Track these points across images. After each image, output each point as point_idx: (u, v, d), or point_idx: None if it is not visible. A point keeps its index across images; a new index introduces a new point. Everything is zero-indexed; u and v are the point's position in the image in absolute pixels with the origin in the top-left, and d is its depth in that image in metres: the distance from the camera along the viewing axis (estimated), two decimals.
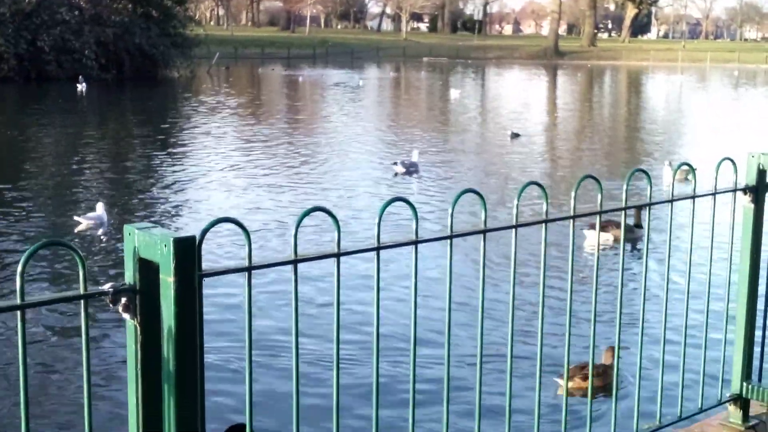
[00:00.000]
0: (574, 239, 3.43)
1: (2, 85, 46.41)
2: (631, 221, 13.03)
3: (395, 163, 20.88)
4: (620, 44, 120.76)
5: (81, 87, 44.89)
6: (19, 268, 2.17)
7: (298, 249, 2.64)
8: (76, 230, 14.35)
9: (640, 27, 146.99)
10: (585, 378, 7.03)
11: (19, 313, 2.19)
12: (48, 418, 7.37)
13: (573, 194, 3.36)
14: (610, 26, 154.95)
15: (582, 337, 5.15)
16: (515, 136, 27.07)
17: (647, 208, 3.82)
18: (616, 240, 12.71)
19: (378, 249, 2.87)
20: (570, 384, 6.43)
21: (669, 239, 3.94)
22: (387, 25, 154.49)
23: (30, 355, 8.89)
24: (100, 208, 14.83)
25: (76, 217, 14.64)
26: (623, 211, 3.67)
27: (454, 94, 46.18)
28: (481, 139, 29.25)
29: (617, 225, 12.08)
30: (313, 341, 8.67)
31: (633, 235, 12.84)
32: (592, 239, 12.60)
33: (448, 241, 3.07)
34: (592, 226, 11.99)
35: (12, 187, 18.27)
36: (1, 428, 7.24)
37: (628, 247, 12.86)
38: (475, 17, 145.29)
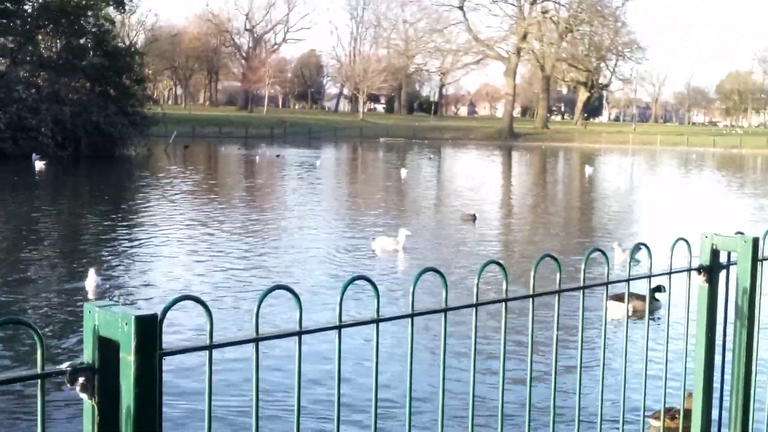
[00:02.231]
0: (534, 315, 3.44)
1: None
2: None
3: (373, 239, 21.15)
4: (573, 126, 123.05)
5: (40, 164, 44.63)
6: None
7: (259, 327, 2.63)
8: (88, 293, 15.04)
9: (592, 110, 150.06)
10: (672, 418, 7.76)
11: None
12: None
13: (533, 273, 3.40)
14: (563, 109, 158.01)
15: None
16: (473, 218, 27.06)
17: (605, 287, 3.85)
18: (636, 310, 12.87)
19: (339, 327, 2.86)
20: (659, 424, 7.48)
21: (626, 314, 3.99)
22: (344, 105, 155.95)
23: None
24: (92, 274, 15.65)
25: (86, 282, 15.49)
26: (581, 290, 3.71)
27: (403, 174, 46.56)
28: (435, 221, 29.31)
29: (638, 297, 12.12)
30: (272, 420, 8.55)
31: (652, 306, 13.00)
32: (616, 311, 12.62)
33: (410, 319, 3.07)
34: (616, 299, 12.03)
35: None
36: None
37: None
38: (431, 99, 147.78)
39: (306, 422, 8.39)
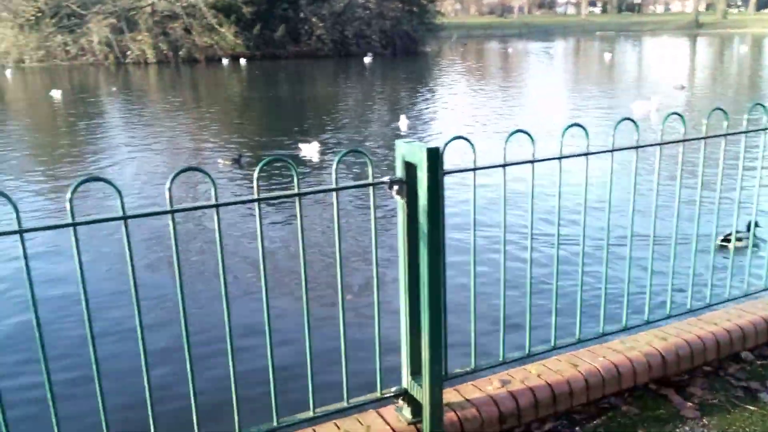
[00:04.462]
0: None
1: (325, 59, 48.38)
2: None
3: (632, 103, 19.48)
4: (747, 16, 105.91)
5: (368, 60, 45.96)
6: (334, 165, 2.29)
7: (507, 155, 2.59)
8: (401, 130, 15.68)
9: (764, 2, 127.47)
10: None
11: (334, 194, 2.32)
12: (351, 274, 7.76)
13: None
14: (738, 3, 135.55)
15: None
16: (683, 87, 24.33)
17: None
18: None
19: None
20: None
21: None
22: (570, 9, 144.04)
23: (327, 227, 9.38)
24: (403, 119, 16.51)
25: (399, 122, 16.40)
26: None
27: (606, 57, 42.72)
28: (652, 91, 26.79)
29: None
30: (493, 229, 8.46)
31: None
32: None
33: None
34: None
35: (326, 118, 19.13)
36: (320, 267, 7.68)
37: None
38: (635, 1, 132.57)
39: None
